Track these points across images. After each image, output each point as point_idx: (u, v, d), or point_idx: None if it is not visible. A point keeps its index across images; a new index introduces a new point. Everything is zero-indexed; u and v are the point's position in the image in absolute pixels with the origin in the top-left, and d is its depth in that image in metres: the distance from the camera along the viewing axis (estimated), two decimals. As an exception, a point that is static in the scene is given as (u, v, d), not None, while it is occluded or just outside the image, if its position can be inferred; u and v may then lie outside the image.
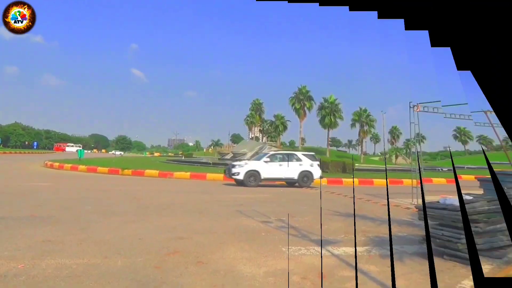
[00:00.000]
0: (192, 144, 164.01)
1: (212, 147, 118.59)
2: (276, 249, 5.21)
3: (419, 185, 10.79)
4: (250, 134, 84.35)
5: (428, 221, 5.27)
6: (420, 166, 11.42)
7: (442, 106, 11.63)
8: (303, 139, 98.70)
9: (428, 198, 11.12)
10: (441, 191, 13.59)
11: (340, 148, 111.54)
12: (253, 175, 14.60)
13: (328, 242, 5.78)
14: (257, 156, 42.56)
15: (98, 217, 6.94)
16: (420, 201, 10.45)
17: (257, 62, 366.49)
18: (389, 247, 5.20)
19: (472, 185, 8.96)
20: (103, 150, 76.35)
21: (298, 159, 15.55)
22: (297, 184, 15.33)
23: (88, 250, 4.74)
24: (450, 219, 4.92)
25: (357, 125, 57.36)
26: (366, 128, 57.22)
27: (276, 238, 5.85)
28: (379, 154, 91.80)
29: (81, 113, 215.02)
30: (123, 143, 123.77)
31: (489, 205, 5.08)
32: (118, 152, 66.18)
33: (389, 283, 4.05)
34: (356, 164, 29.47)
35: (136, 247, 4.96)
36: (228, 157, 47.51)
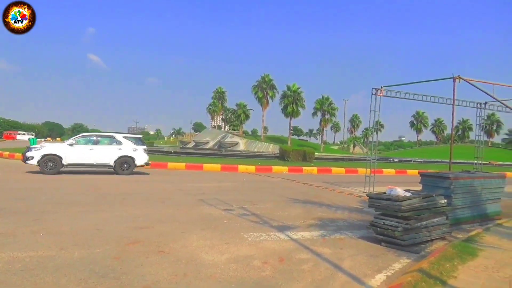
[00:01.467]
0: (153, 133, 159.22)
1: (173, 135, 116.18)
2: (238, 236, 5.32)
3: (372, 175, 11.31)
4: (213, 122, 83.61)
5: (374, 210, 5.60)
6: (374, 156, 12.00)
7: (407, 83, 10.92)
8: (265, 128, 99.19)
9: (377, 189, 11.78)
10: (390, 182, 14.50)
11: (301, 137, 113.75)
12: (52, 159, 12.39)
13: (288, 227, 5.98)
14: (219, 144, 41.82)
15: (54, 207, 6.66)
16: (371, 190, 10.96)
17: (221, 50, 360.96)
18: (342, 232, 5.45)
19: (416, 180, 9.59)
20: (58, 139, 72.12)
21: (118, 143, 13.28)
22: (113, 170, 13.16)
23: (42, 242, 4.55)
24: (392, 209, 5.24)
25: (319, 113, 58.55)
26: (327, 117, 58.61)
27: (237, 226, 5.95)
28: (339, 143, 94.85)
29: (34, 100, 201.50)
30: (80, 131, 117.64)
31: (422, 202, 5.42)
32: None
33: (341, 264, 4.32)
34: (316, 153, 30.27)
35: (95, 237, 4.84)
36: (190, 146, 46.93)
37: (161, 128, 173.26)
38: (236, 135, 52.64)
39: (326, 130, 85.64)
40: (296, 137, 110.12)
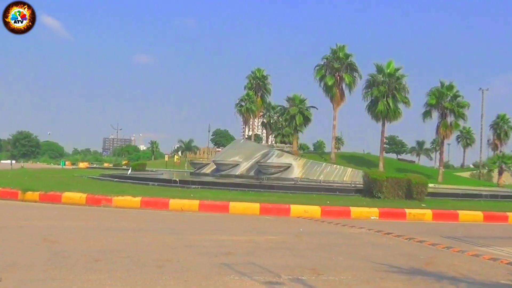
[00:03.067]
0: (144, 148, 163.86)
1: (179, 153, 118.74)
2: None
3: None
4: (247, 130, 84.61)
5: None
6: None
7: None
8: (338, 140, 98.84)
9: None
10: None
11: (402, 156, 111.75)
12: None
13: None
14: (257, 167, 42.83)
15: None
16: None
17: (256, 5, 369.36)
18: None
19: None
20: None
21: None
22: None
23: None
24: None
25: (435, 114, 57.21)
26: (451, 119, 57.03)
27: (289, 311, 5.97)
28: (471, 166, 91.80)
29: None
30: (25, 145, 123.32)
31: None
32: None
33: None
34: (431, 184, 29.56)
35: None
36: (207, 170, 47.53)
37: (159, 139, 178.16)
38: (287, 151, 52.67)
39: (449, 144, 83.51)
40: (393, 155, 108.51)
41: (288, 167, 42.68)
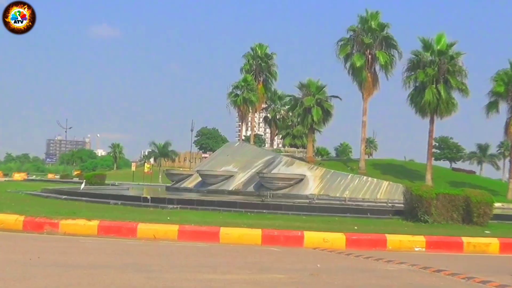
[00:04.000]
0: (103, 154, 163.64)
1: (152, 160, 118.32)
2: None
3: None
4: (244, 129, 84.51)
5: None
6: None
7: None
8: (370, 143, 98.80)
9: None
10: None
11: (458, 165, 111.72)
12: None
13: None
14: (258, 179, 43.03)
15: None
16: None
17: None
18: None
19: None
20: None
21: None
22: None
23: None
24: None
25: (503, 106, 56.88)
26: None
27: None
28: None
29: None
30: None
31: None
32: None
33: None
34: (498, 204, 29.61)
35: None
36: (189, 183, 47.51)
37: (124, 142, 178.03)
38: (300, 158, 52.66)
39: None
40: (445, 164, 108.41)
41: (300, 179, 42.74)
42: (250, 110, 75.76)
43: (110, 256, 14.09)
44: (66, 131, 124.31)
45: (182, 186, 46.57)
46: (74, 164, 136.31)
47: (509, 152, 66.82)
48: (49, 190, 34.39)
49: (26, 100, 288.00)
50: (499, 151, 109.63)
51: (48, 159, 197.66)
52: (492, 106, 57.09)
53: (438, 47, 53.78)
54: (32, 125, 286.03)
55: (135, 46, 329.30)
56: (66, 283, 10.00)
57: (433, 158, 61.25)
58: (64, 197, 30.14)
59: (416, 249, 18.29)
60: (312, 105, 62.46)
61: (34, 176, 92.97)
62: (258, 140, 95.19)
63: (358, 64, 56.65)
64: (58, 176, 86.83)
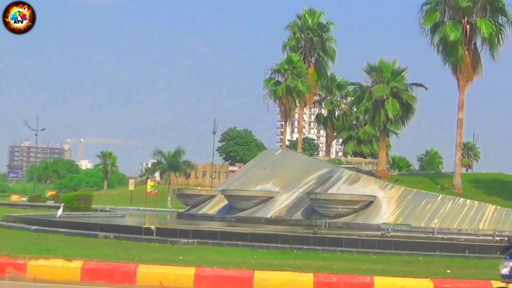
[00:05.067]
0: (89, 166, 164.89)
1: (157, 175, 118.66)
2: None
3: None
4: (288, 131, 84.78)
5: None
6: None
7: None
8: (469, 150, 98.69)
9: None
10: None
11: None
12: None
13: None
14: (309, 202, 43.10)
15: None
16: None
17: None
18: None
19: None
20: None
21: None
22: None
23: None
24: None
25: None
26: None
27: None
28: None
29: None
30: None
31: None
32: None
33: None
34: None
35: None
36: (210, 208, 47.61)
37: (118, 150, 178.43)
38: (368, 172, 52.64)
39: None
40: None
41: (369, 202, 42.73)
42: (298, 104, 75.67)
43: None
44: (36, 135, 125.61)
45: (200, 212, 46.67)
46: (47, 181, 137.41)
47: None
48: (13, 218, 34.75)
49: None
50: None
51: (11, 174, 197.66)
52: None
53: None
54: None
55: (138, 12, 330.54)
56: None
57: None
58: (34, 227, 30.35)
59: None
60: (385, 96, 62.20)
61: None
62: (309, 147, 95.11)
63: (452, 37, 56.36)
64: (25, 199, 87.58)
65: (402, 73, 63.81)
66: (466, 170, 69.24)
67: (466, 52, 56.99)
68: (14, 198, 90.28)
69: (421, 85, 65.07)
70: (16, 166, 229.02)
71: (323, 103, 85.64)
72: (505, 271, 9.93)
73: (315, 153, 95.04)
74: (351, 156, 74.87)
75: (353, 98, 76.02)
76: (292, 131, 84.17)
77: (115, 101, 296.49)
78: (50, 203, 66.20)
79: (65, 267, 18.37)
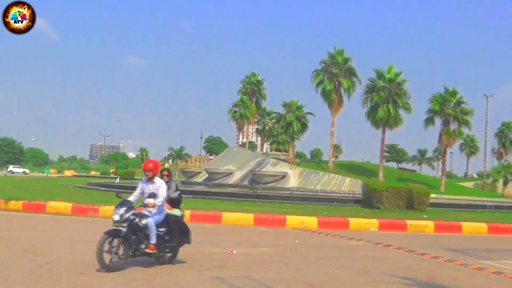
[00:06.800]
0: (133, 156, 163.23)
1: (170, 161, 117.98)
2: None
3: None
4: (241, 137, 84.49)
5: None
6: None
7: None
8: (337, 149, 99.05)
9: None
10: None
11: (404, 165, 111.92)
12: None
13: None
14: (251, 176, 42.83)
15: None
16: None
17: (251, 6, 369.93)
18: None
19: None
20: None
21: None
22: None
23: None
24: None
25: (438, 121, 57.43)
26: (454, 127, 57.26)
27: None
28: (475, 176, 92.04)
29: None
30: (8, 152, 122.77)
31: None
32: (21, 170, 66.07)
33: None
34: (433, 195, 29.68)
35: None
36: (199, 178, 47.33)
37: (149, 147, 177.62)
38: (283, 160, 52.57)
39: (452, 152, 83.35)
40: (394, 164, 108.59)
41: (283, 176, 42.68)
42: (246, 123, 75.80)
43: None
44: (104, 138, 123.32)
45: (193, 181, 46.31)
46: (110, 163, 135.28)
47: (442, 156, 67.33)
48: (91, 184, 34.16)
49: (75, 113, 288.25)
50: (434, 155, 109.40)
51: (91, 160, 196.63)
52: (429, 121, 57.61)
53: (389, 76, 53.95)
54: (79, 133, 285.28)
55: (160, 75, 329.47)
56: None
57: (384, 160, 61.14)
58: (103, 189, 29.85)
59: (371, 229, 18.30)
60: (293, 119, 62.52)
61: (82, 173, 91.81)
62: (252, 146, 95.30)
63: (328, 88, 56.61)
64: (98, 173, 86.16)
65: (302, 107, 63.87)
66: (335, 159, 69.49)
67: (335, 96, 57.23)
68: (93, 173, 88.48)
69: (311, 114, 65.48)
70: (93, 155, 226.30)
71: (259, 122, 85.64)
72: (116, 217, 8.63)
73: (255, 149, 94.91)
74: (274, 151, 75.06)
75: (275, 120, 76.60)
76: (243, 137, 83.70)
77: (147, 120, 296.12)
78: (112, 176, 65.02)
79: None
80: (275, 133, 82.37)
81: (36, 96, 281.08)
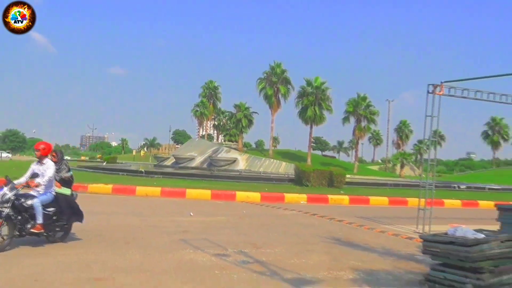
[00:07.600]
0: (116, 144, 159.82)
1: (145, 149, 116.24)
2: (234, 293, 5.29)
3: (428, 208, 11.24)
4: (201, 131, 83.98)
5: (431, 258, 5.55)
6: (432, 181, 11.95)
7: (479, 78, 10.38)
8: (275, 140, 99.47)
9: (434, 228, 11.73)
10: (453, 218, 14.33)
11: (326, 153, 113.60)
12: None
13: (306, 282, 5.95)
14: (209, 160, 42.33)
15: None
16: (427, 229, 10.90)
17: (212, 29, 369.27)
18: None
19: (491, 216, 9.51)
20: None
21: None
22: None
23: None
24: (456, 257, 5.15)
25: (352, 119, 58.69)
26: (364, 124, 58.67)
27: (234, 278, 5.93)
28: (380, 161, 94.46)
29: None
30: (13, 141, 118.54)
31: (502, 247, 5.23)
32: (5, 154, 63.00)
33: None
34: (348, 175, 30.30)
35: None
36: (168, 163, 46.97)
37: (128, 138, 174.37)
38: (234, 148, 52.62)
39: (363, 143, 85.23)
40: (319, 152, 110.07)
41: (234, 160, 42.73)
42: (205, 119, 75.36)
43: (119, 207, 13.70)
44: (92, 130, 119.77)
45: (163, 164, 45.75)
46: (97, 151, 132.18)
47: (355, 146, 69.00)
48: (81, 166, 33.23)
49: (68, 110, 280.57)
50: (349, 145, 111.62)
51: (81, 148, 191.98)
52: (346, 119, 59.18)
53: (316, 84, 54.62)
54: (72, 126, 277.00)
55: (137, 81, 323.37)
56: (93, 223, 9.55)
57: (311, 149, 61.94)
58: (91, 170, 29.10)
59: (302, 202, 18.40)
60: (241, 117, 62.48)
61: (73, 158, 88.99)
62: (209, 138, 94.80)
63: (269, 93, 56.73)
64: (87, 158, 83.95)
65: (249, 108, 63.74)
66: (274, 148, 69.79)
67: (274, 99, 57.46)
68: (82, 158, 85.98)
69: (256, 113, 65.49)
70: (83, 144, 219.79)
71: (216, 119, 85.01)
72: None
73: (212, 140, 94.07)
74: (227, 142, 74.82)
75: (228, 118, 76.26)
76: (203, 131, 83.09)
77: (128, 115, 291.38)
78: (98, 160, 63.52)
79: (105, 187, 17.69)
80: (228, 128, 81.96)
81: (38, 95, 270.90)
